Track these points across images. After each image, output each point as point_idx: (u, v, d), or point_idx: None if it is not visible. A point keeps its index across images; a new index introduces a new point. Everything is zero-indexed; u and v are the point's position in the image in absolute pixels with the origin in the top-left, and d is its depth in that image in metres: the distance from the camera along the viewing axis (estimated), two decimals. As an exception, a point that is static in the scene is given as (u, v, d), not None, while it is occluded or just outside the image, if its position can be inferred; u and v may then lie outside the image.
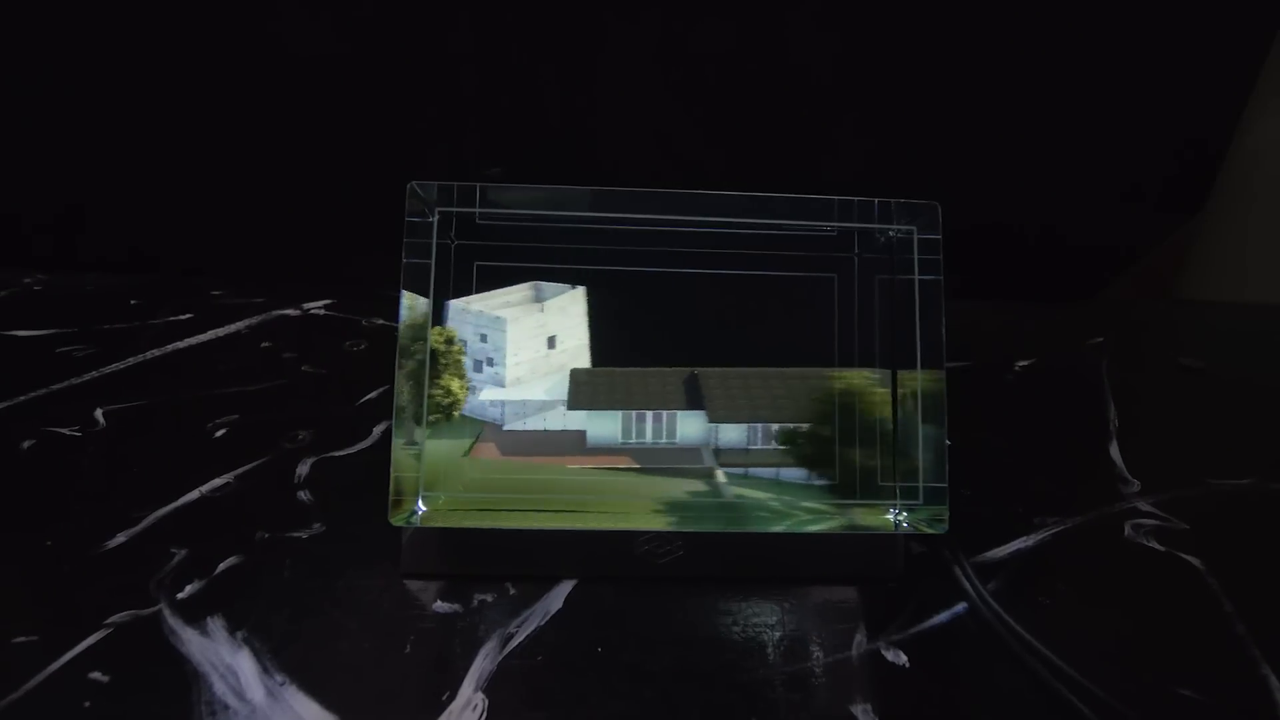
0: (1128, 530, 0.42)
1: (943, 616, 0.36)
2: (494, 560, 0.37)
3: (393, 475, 0.35)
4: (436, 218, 0.36)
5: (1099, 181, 0.65)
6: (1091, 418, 0.52)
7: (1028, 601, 0.36)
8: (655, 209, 0.37)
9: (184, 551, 0.37)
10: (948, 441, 0.36)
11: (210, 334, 0.60)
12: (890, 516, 0.36)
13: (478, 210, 0.37)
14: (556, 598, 0.35)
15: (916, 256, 0.37)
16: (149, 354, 0.56)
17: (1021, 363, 0.59)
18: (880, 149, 0.63)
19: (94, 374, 0.53)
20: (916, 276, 0.37)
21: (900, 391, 0.37)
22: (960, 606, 0.36)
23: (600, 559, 0.37)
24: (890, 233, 0.38)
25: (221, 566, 0.36)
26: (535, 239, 0.37)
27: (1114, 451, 0.49)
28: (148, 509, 0.40)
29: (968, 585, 0.37)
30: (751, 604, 0.36)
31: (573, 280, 0.37)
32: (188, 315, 0.62)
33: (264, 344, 0.58)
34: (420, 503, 0.35)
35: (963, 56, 0.61)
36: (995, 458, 0.47)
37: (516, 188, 0.37)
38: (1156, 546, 0.41)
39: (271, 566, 0.36)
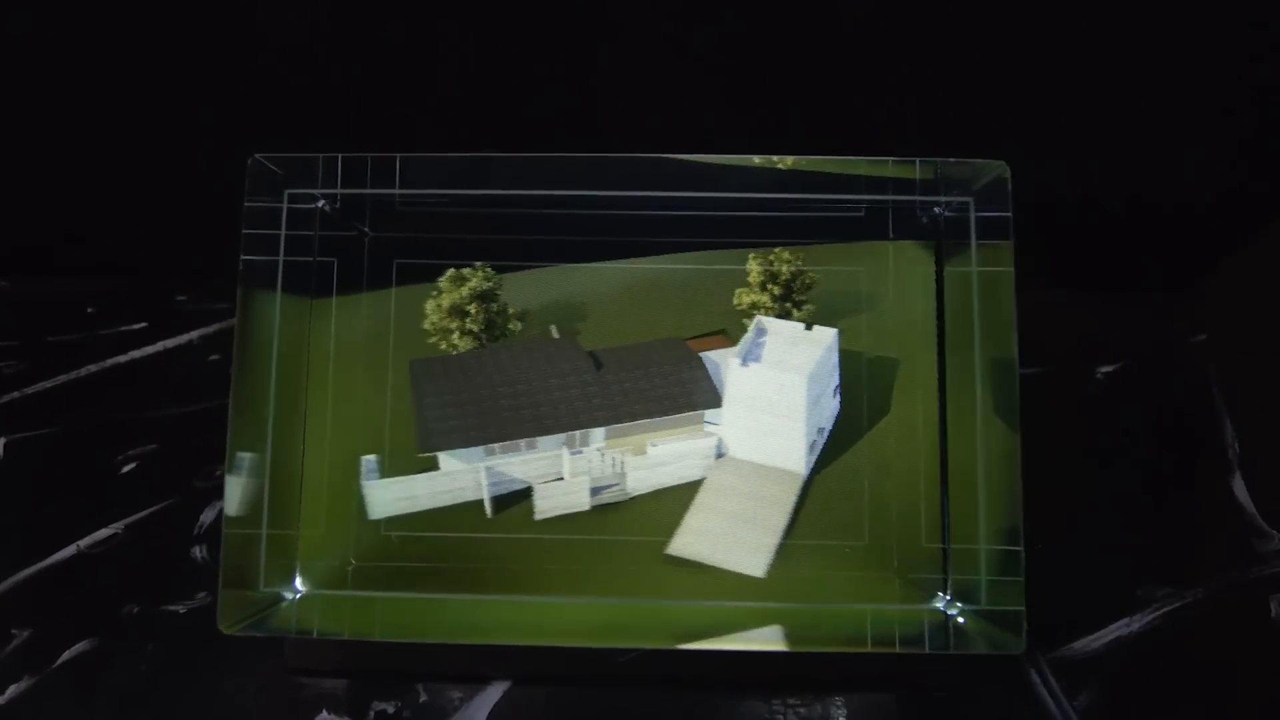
0: (1275, 608, 0.31)
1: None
2: (409, 652, 0.28)
3: (224, 548, 0.26)
4: (321, 203, 0.28)
5: (1202, 139, 0.52)
6: (1203, 442, 0.40)
7: (1136, 726, 0.26)
8: (621, 181, 0.28)
9: (27, 633, 0.30)
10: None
11: (159, 345, 0.53)
12: (940, 608, 0.26)
13: (397, 193, 0.28)
14: (479, 709, 0.27)
15: (975, 241, 0.27)
16: (83, 370, 0.50)
17: (1104, 368, 0.47)
18: (934, 104, 0.52)
19: (14, 395, 0.47)
20: (975, 269, 0.27)
21: (950, 431, 0.27)
22: (1037, 733, 0.26)
23: (541, 651, 0.28)
24: (936, 209, 0.28)
25: (65, 656, 0.29)
26: (474, 228, 0.28)
27: (1239, 489, 0.37)
28: (7, 571, 0.33)
29: (1049, 700, 0.27)
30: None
31: (524, 283, 0.28)
32: (141, 325, 0.55)
33: (212, 357, 0.51)
34: (298, 582, 0.27)
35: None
36: (1077, 498, 0.36)
37: (448, 159, 0.28)
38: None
39: (128, 656, 0.29)
